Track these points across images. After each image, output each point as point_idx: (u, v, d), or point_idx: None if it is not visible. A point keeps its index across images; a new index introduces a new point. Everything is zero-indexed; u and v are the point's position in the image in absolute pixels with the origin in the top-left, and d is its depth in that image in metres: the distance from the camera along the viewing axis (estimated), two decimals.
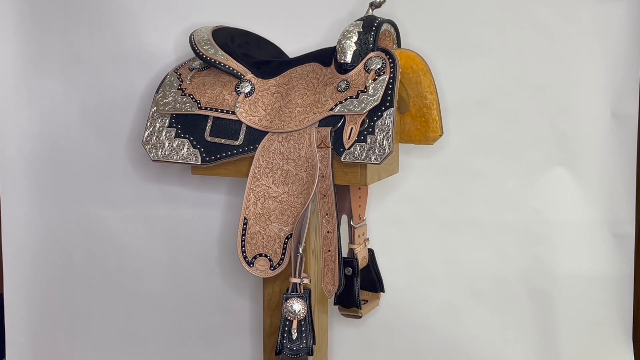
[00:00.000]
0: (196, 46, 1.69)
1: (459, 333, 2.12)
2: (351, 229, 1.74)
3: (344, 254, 1.75)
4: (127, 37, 1.94)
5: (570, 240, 2.11)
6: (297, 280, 1.53)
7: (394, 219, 2.06)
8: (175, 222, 2.03)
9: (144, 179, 2.02)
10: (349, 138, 1.51)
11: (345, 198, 1.73)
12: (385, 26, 1.61)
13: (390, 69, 1.53)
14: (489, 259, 2.11)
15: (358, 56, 1.56)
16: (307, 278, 1.54)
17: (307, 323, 1.53)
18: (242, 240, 1.58)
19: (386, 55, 1.55)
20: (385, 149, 1.47)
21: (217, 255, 2.04)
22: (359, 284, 1.74)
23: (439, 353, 2.13)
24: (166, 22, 1.95)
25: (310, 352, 1.52)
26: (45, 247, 2.06)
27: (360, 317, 1.77)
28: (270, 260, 1.57)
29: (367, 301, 1.82)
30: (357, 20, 1.60)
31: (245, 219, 1.58)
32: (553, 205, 2.09)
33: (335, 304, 1.77)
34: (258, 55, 1.74)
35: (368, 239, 1.80)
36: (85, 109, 2.00)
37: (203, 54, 1.69)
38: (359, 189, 1.74)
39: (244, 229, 1.58)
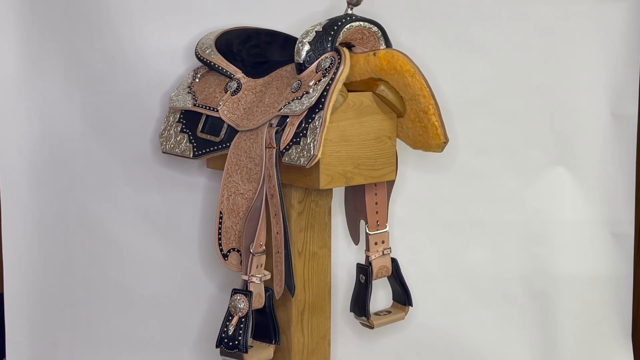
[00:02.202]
0: (197, 48, 1.77)
1: (459, 333, 2.13)
2: (366, 236, 1.69)
3: (361, 260, 1.72)
4: (126, 36, 1.94)
5: (570, 240, 2.11)
6: (245, 277, 1.53)
7: (394, 219, 2.06)
8: (175, 222, 2.03)
9: (144, 179, 2.01)
10: (285, 139, 1.50)
11: (362, 201, 1.69)
12: (358, 24, 1.54)
13: (335, 69, 1.49)
14: (489, 259, 2.11)
15: (313, 56, 1.53)
16: (258, 277, 1.53)
17: (248, 321, 1.52)
18: (218, 234, 1.61)
19: (337, 55, 1.51)
20: (311, 152, 1.44)
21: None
22: (370, 293, 1.68)
23: (439, 352, 2.13)
24: (166, 22, 1.95)
25: (244, 350, 1.51)
26: (45, 247, 2.06)
27: (372, 327, 1.71)
28: (241, 255, 1.59)
29: (389, 312, 1.76)
30: (328, 19, 1.58)
31: (221, 212, 1.60)
32: (553, 205, 2.10)
33: (350, 310, 1.74)
34: (277, 56, 1.75)
35: (390, 248, 1.71)
36: (85, 109, 2.00)
37: (199, 55, 1.76)
38: (376, 194, 1.68)
39: (220, 223, 1.60)
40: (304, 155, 1.45)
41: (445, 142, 1.53)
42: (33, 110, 2.01)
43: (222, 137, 1.65)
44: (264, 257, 1.54)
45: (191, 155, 1.71)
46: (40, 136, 2.01)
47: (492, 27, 2.03)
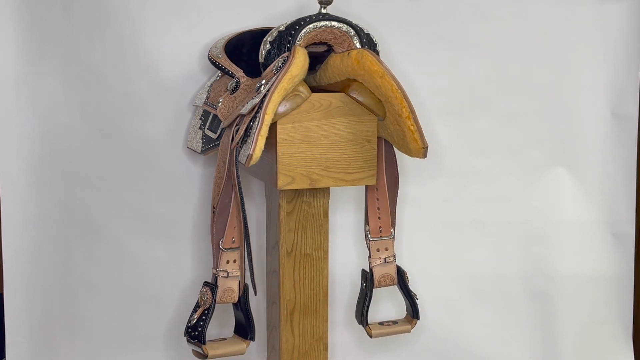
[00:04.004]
0: (210, 48, 1.82)
1: (459, 333, 2.13)
2: (368, 241, 1.66)
3: (365, 266, 1.71)
4: (127, 36, 1.94)
5: (570, 240, 2.11)
6: (214, 270, 1.57)
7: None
8: (175, 222, 2.03)
9: (144, 179, 2.01)
10: (237, 138, 1.50)
11: (366, 205, 1.66)
12: (322, 24, 1.52)
13: (283, 69, 1.48)
14: (489, 259, 2.11)
15: (275, 56, 1.54)
16: (225, 272, 1.56)
17: (209, 314, 1.55)
18: (212, 229, 1.62)
19: (290, 54, 1.50)
20: (248, 151, 1.43)
21: None
22: (369, 300, 1.65)
23: (439, 353, 2.13)
24: (166, 22, 1.95)
25: (202, 342, 1.54)
26: (45, 247, 2.06)
27: (370, 336, 1.68)
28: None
29: (395, 323, 1.72)
30: (296, 18, 1.57)
31: (213, 207, 1.61)
32: (553, 205, 2.10)
33: (355, 317, 1.74)
34: None
35: (394, 256, 1.67)
36: (85, 109, 2.00)
37: (209, 55, 1.80)
38: (377, 199, 1.65)
39: (214, 218, 1.62)
40: (245, 154, 1.46)
41: (424, 148, 1.46)
42: (33, 111, 2.01)
43: (219, 133, 1.68)
44: (236, 253, 1.56)
45: (199, 151, 1.76)
46: (40, 136, 2.01)
47: (492, 27, 2.03)
